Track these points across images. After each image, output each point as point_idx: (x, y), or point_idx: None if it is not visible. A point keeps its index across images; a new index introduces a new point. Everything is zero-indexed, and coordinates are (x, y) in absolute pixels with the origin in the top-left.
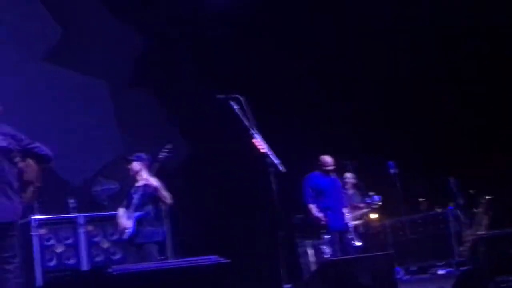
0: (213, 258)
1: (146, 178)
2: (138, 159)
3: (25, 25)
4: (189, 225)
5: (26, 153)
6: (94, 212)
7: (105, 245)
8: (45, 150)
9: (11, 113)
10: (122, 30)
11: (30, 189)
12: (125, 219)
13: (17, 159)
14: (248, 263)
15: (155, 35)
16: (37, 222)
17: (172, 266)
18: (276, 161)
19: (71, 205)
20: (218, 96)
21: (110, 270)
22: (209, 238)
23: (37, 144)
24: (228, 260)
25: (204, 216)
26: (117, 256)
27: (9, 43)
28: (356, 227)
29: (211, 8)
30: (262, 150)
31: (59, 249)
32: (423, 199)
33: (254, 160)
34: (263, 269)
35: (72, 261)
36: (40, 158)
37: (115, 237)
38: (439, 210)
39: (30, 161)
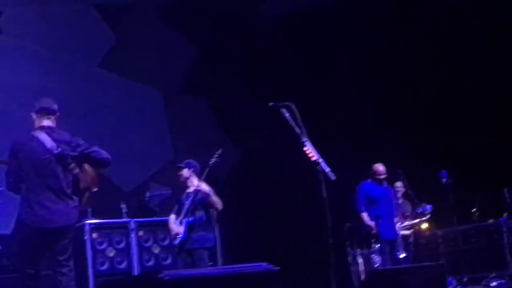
0: (263, 265)
1: (196, 184)
2: (188, 165)
3: (80, 32)
4: (239, 231)
5: (83, 158)
6: (145, 217)
7: (156, 250)
8: (103, 154)
9: (65, 118)
10: (175, 38)
11: (86, 195)
12: (176, 225)
13: (73, 165)
14: (298, 270)
15: (206, 43)
16: (90, 226)
17: (222, 273)
18: (326, 169)
19: (123, 210)
20: (270, 104)
21: (161, 275)
22: (259, 245)
23: (95, 148)
24: (277, 268)
25: (254, 222)
26: (168, 261)
27: (66, 49)
28: (405, 237)
29: (263, 16)
30: (312, 158)
31: (111, 253)
32: (476, 210)
33: (304, 168)
34: (313, 277)
35: (123, 266)
36: (98, 163)
37: (166, 242)
38: (492, 221)
39: (86, 167)
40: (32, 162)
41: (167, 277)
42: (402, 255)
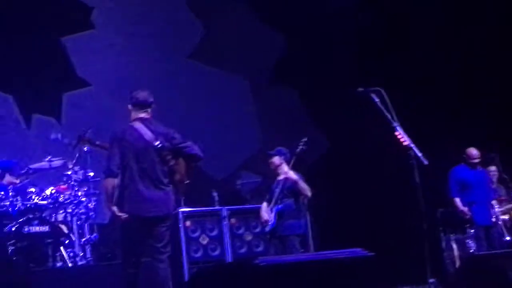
0: (359, 251)
1: (286, 171)
2: (279, 153)
3: (170, 24)
4: (329, 218)
5: (177, 151)
6: (237, 205)
7: (248, 237)
8: (196, 149)
9: (158, 109)
10: (264, 27)
11: (180, 186)
12: (267, 212)
13: (169, 157)
14: (390, 257)
15: (295, 31)
16: (184, 214)
17: (318, 258)
18: (418, 153)
19: (215, 199)
20: (359, 89)
21: (257, 261)
22: (350, 231)
23: (188, 143)
24: (373, 253)
25: (345, 209)
26: (260, 248)
27: (155, 41)
28: (505, 221)
29: (351, 2)
30: (404, 143)
31: (204, 241)
32: None
33: (395, 153)
34: (407, 264)
35: (216, 253)
36: (190, 158)
37: (257, 229)
38: None
39: (181, 160)
40: (132, 153)
41: (263, 263)
42: (508, 238)
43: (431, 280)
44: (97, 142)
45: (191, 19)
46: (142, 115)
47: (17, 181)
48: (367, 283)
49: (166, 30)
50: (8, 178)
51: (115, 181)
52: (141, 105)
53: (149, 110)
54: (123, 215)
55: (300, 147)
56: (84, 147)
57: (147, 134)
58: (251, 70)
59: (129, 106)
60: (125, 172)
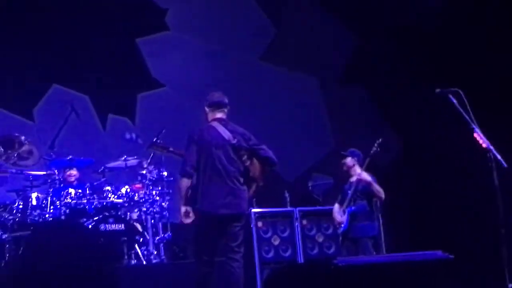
0: (439, 253)
1: (359, 173)
2: (352, 154)
3: (242, 24)
4: (403, 220)
5: (253, 153)
6: (308, 206)
7: (320, 238)
8: (269, 153)
9: (231, 110)
10: (334, 27)
11: (253, 187)
12: (340, 214)
13: (245, 157)
14: (467, 261)
15: (366, 30)
16: (256, 215)
17: (397, 260)
18: (498, 156)
19: (287, 199)
20: (437, 90)
21: (335, 261)
22: (424, 234)
23: (263, 146)
24: (452, 256)
25: (419, 211)
26: (331, 250)
27: (227, 42)
28: None
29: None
30: (483, 145)
31: (276, 242)
32: None
33: (474, 155)
34: (485, 268)
35: (288, 254)
36: (263, 161)
37: (329, 231)
38: None
39: (255, 161)
40: (209, 151)
41: (342, 264)
42: None
43: (510, 286)
44: (171, 149)
45: (262, 19)
46: (219, 115)
47: (75, 172)
48: (446, 287)
49: (238, 30)
50: (68, 171)
51: (190, 181)
52: (217, 106)
53: (225, 110)
54: (189, 220)
55: (374, 148)
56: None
57: (225, 132)
58: (323, 70)
59: (206, 108)
60: (201, 170)
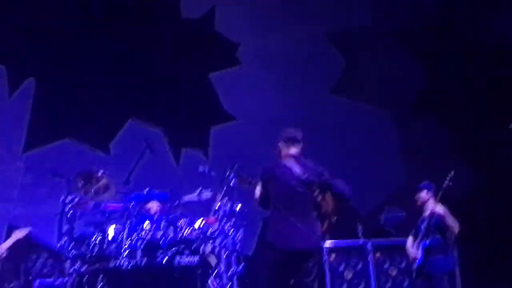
0: None
1: (433, 206)
2: (427, 187)
3: (312, 58)
4: (478, 254)
5: (325, 187)
6: (381, 239)
7: (393, 272)
8: (343, 188)
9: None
10: (405, 58)
11: (326, 222)
12: (414, 249)
13: (316, 192)
14: None
15: (437, 62)
16: (329, 248)
17: None
18: None
19: (359, 232)
20: (511, 125)
21: None
22: (501, 269)
23: (337, 181)
24: None
25: (494, 245)
26: (405, 284)
27: (299, 76)
28: None
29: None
30: None
31: (349, 275)
32: None
33: None
34: None
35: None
36: (337, 196)
37: (403, 264)
38: None
39: (328, 196)
40: (282, 187)
41: None
42: None
43: None
44: (252, 180)
45: (333, 52)
46: (292, 151)
47: (155, 205)
48: None
49: (309, 64)
50: (150, 204)
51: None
52: (291, 142)
53: (299, 146)
54: None
55: (447, 181)
56: (234, 183)
57: (297, 168)
58: (394, 102)
59: (280, 144)
60: (274, 206)
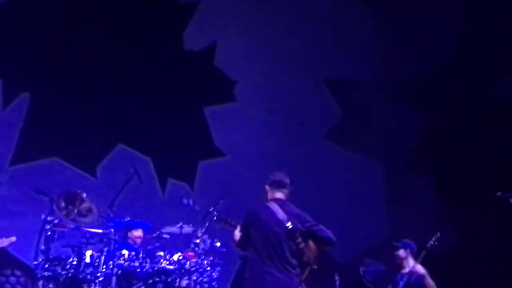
0: None
1: (413, 265)
2: (405, 246)
3: (309, 103)
4: None
5: (309, 234)
6: None
7: None
8: (328, 233)
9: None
10: (402, 113)
11: (307, 270)
12: None
13: (299, 239)
14: None
15: (435, 119)
16: None
17: None
18: None
19: (336, 282)
20: (497, 194)
21: None
22: None
23: (320, 226)
24: None
25: None
26: None
27: (293, 118)
28: None
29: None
30: None
31: None
32: None
33: None
34: None
35: None
36: (322, 241)
37: None
38: None
39: (310, 243)
40: (264, 232)
41: None
42: None
43: None
44: (233, 223)
45: (329, 99)
46: (278, 195)
47: (140, 233)
48: None
49: (304, 108)
50: (132, 234)
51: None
52: (277, 185)
53: (285, 190)
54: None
55: (431, 242)
56: (214, 221)
57: (280, 214)
58: (386, 153)
59: (266, 187)
60: (254, 250)
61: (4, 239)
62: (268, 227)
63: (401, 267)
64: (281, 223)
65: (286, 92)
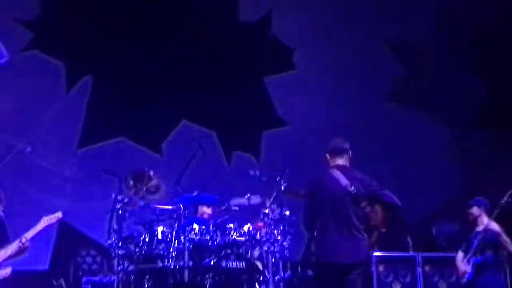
0: None
1: (487, 223)
2: (478, 203)
3: (370, 64)
4: None
5: (374, 198)
6: (432, 252)
7: (443, 286)
8: (393, 198)
9: (357, 152)
10: (464, 71)
11: (374, 234)
12: (464, 263)
13: (364, 203)
14: None
15: (497, 75)
16: (377, 258)
17: None
18: None
19: (409, 244)
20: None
21: None
22: None
23: (385, 191)
24: None
25: None
26: None
27: (355, 82)
28: None
29: None
30: None
31: (397, 287)
32: None
33: None
34: None
35: None
36: (387, 206)
37: (452, 279)
38: None
39: (377, 207)
40: (328, 199)
41: None
42: None
43: None
44: (301, 192)
45: (391, 60)
46: (339, 162)
47: (210, 211)
48: None
49: (365, 71)
50: (201, 210)
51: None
52: (337, 152)
53: (345, 156)
54: None
55: (506, 198)
56: (282, 192)
57: (343, 180)
58: (452, 112)
59: (326, 154)
60: (321, 218)
61: (51, 216)
62: (333, 193)
63: (475, 225)
64: (345, 189)
65: (348, 55)
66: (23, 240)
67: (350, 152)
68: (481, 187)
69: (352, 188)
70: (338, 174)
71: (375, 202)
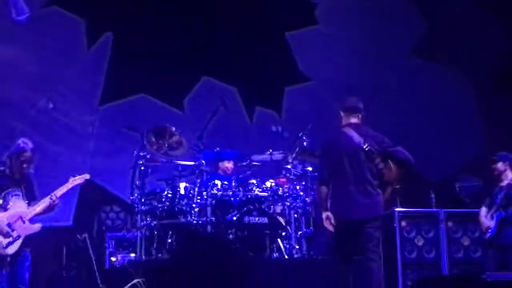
0: None
1: (511, 177)
2: (503, 158)
3: (393, 19)
4: None
5: (387, 155)
6: (455, 208)
7: (466, 242)
8: (405, 154)
9: (377, 107)
10: (489, 23)
11: (388, 190)
12: (487, 219)
13: (378, 160)
14: None
15: None
16: (400, 214)
17: None
18: None
19: (432, 200)
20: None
21: (484, 276)
22: None
23: (398, 148)
24: None
25: None
26: (477, 254)
27: (378, 37)
28: None
29: None
30: None
31: (420, 242)
32: None
33: None
34: None
35: (431, 255)
36: (399, 162)
37: (476, 234)
38: None
39: (390, 163)
40: (342, 157)
41: (491, 279)
42: None
43: None
44: (313, 152)
45: (414, 14)
46: (352, 120)
47: (232, 165)
48: None
49: (388, 25)
50: (223, 165)
51: (328, 188)
52: (351, 111)
53: (359, 115)
54: (331, 227)
55: None
56: (299, 153)
57: (356, 137)
58: (477, 68)
59: (341, 113)
60: (335, 176)
61: (79, 176)
62: (346, 150)
63: (499, 180)
64: (358, 146)
65: (369, 9)
66: (53, 197)
67: (363, 112)
68: (505, 143)
69: (366, 145)
70: (351, 132)
71: (389, 158)
